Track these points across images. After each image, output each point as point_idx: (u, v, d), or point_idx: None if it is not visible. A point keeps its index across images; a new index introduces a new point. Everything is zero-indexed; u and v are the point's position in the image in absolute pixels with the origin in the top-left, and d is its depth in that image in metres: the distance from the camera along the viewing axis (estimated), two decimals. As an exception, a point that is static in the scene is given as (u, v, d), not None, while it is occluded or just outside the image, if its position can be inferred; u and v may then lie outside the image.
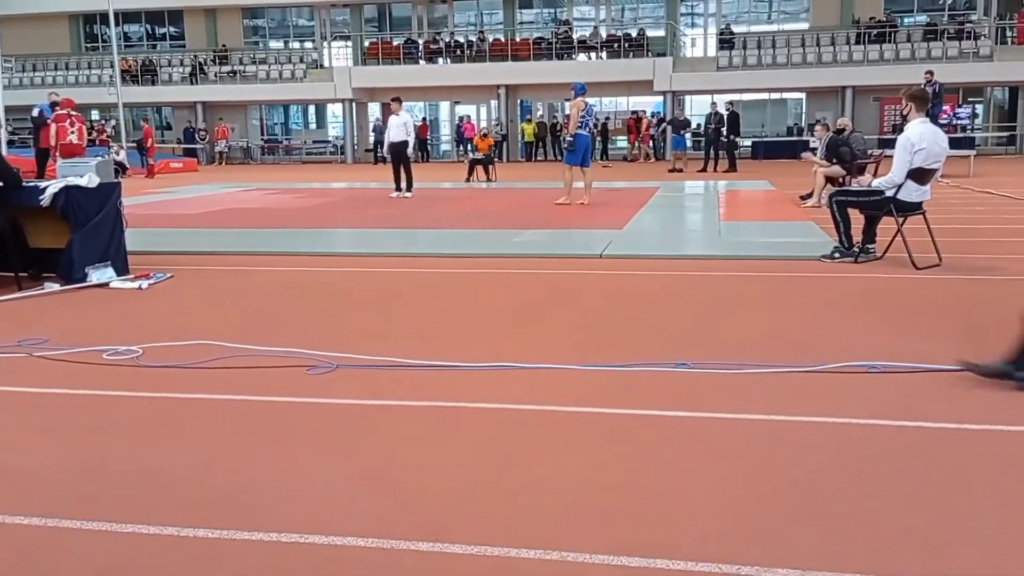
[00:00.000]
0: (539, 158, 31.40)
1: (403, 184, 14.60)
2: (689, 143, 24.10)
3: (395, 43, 33.35)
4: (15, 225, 6.55)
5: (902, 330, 4.76)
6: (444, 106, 34.90)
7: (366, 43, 33.96)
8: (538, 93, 32.75)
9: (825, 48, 29.35)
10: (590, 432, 3.26)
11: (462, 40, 32.79)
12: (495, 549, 2.33)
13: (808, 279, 6.32)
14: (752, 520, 2.49)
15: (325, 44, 35.40)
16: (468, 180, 18.78)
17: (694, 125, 26.44)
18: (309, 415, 3.50)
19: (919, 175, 6.71)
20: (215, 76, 33.89)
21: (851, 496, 2.64)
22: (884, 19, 29.92)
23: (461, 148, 30.90)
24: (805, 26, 31.09)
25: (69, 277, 6.40)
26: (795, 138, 27.94)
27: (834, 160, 11.67)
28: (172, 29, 36.61)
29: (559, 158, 31.65)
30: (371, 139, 30.84)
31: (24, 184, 6.62)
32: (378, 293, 6.16)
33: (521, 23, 33.85)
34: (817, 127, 13.50)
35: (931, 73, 17.81)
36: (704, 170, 21.08)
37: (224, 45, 35.06)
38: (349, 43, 34.93)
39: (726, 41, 30.54)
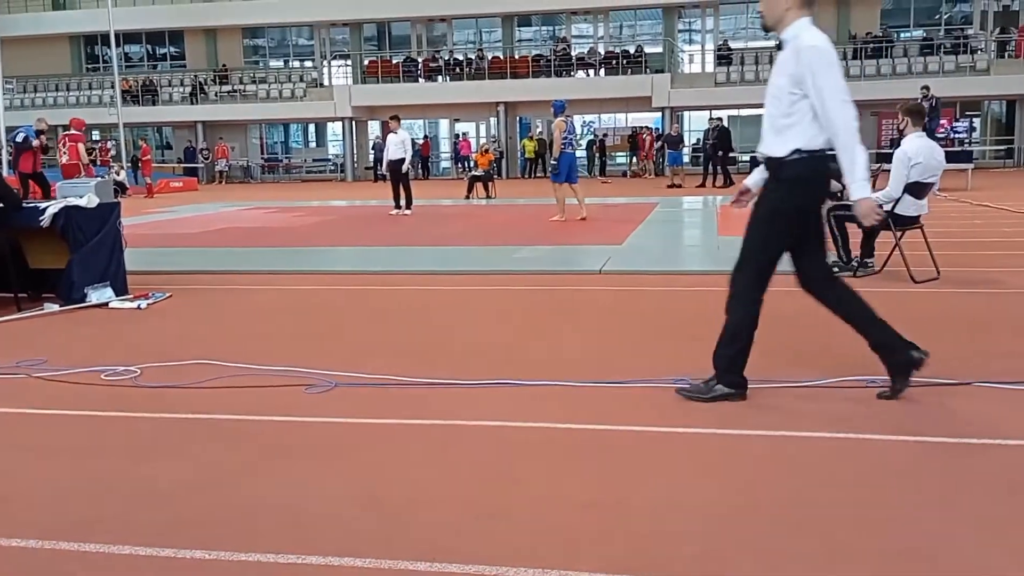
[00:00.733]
0: (538, 175, 31.49)
1: (402, 202, 14.65)
2: (687, 159, 24.18)
3: (394, 61, 33.54)
4: (15, 245, 6.57)
5: (900, 344, 4.75)
6: (443, 123, 35.05)
7: (365, 61, 34.15)
8: (537, 110, 32.85)
9: (822, 63, 29.42)
10: (587, 449, 3.25)
11: (461, 58, 32.97)
12: (492, 568, 2.33)
13: (805, 294, 6.31)
14: (748, 536, 2.48)
15: (325, 63, 35.58)
16: (468, 197, 18.83)
17: (693, 141, 26.55)
18: (307, 434, 3.49)
19: (916, 189, 6.72)
20: (215, 96, 34.07)
21: (847, 511, 2.64)
22: (881, 34, 30.09)
23: (460, 165, 31.00)
24: (802, 42, 31.19)
25: (68, 297, 6.40)
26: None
27: None
28: (172, 49, 36.83)
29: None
30: (371, 157, 30.93)
31: (24, 205, 6.65)
32: (377, 311, 6.17)
33: (520, 41, 34.05)
34: None
35: (927, 88, 17.90)
36: (703, 185, 21.14)
37: (224, 65, 35.25)
38: (349, 62, 35.12)
39: (724, 57, 30.71)
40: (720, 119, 22.19)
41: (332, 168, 35.14)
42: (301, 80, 34.40)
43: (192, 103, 33.97)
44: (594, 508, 2.71)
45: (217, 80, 34.62)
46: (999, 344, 4.73)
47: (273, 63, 36.61)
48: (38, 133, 14.90)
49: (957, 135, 27.62)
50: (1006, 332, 5.02)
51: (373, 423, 3.60)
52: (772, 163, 3.69)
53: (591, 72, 31.90)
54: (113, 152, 27.14)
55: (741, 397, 3.72)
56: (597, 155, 30.60)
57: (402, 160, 14.70)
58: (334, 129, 35.44)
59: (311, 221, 14.04)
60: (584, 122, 33.86)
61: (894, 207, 6.77)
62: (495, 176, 21.23)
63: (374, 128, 33.57)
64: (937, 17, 30.91)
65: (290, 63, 36.50)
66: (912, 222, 6.94)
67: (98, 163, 23.76)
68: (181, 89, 34.62)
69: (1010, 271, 7.21)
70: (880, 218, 3.49)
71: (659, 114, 30.72)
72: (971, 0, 30.37)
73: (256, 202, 19.92)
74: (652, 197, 17.94)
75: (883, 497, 2.74)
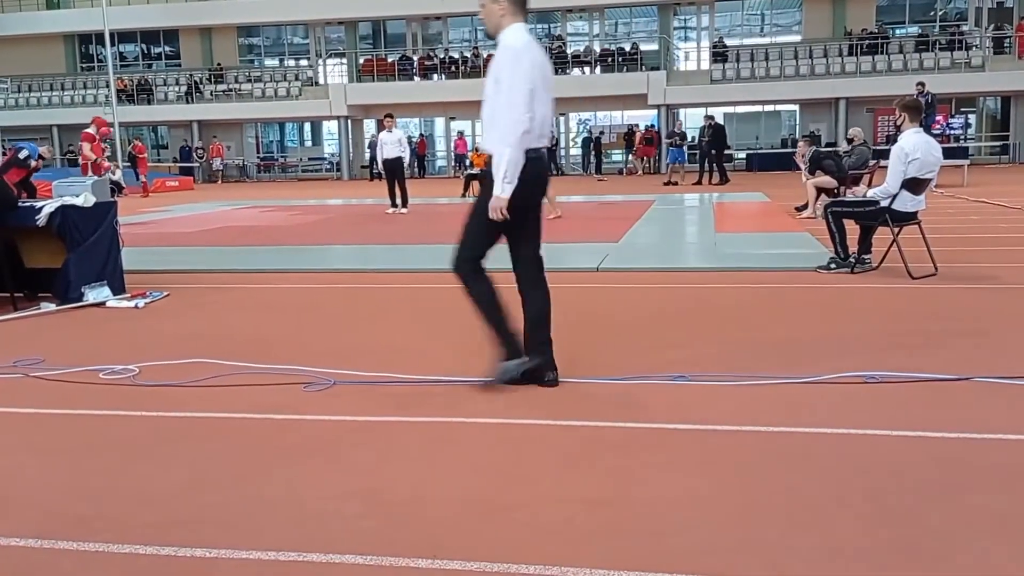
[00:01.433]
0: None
1: (398, 200, 14.64)
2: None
3: (390, 60, 33.51)
4: (11, 245, 6.55)
5: (899, 340, 4.76)
6: (439, 122, 35.03)
7: (361, 60, 34.13)
8: (533, 108, 32.80)
9: (818, 60, 29.53)
10: (587, 446, 3.25)
11: (457, 56, 32.93)
12: (494, 565, 2.32)
13: (804, 290, 6.33)
14: (749, 533, 2.48)
15: (320, 62, 35.54)
16: (464, 195, 18.79)
17: (689, 138, 26.58)
18: (306, 432, 3.49)
19: (913, 185, 6.73)
20: (211, 95, 34.02)
21: (848, 507, 2.64)
22: (876, 31, 30.13)
23: (456, 164, 30.98)
24: (798, 38, 31.29)
25: (65, 297, 6.39)
26: (789, 150, 28.04)
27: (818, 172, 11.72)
28: (167, 48, 36.76)
29: (555, 173, 31.80)
30: (367, 156, 30.91)
31: (20, 204, 6.62)
32: (375, 309, 6.16)
33: (515, 39, 33.98)
34: (799, 143, 13.53)
35: (923, 84, 17.92)
36: (699, 183, 21.15)
37: (219, 64, 35.19)
38: (344, 60, 35.08)
39: (719, 54, 30.73)
40: (713, 116, 22.18)
41: (328, 167, 35.11)
42: (296, 79, 34.36)
43: (187, 102, 33.93)
44: (594, 504, 2.71)
45: (212, 79, 34.57)
46: (997, 339, 4.74)
47: (268, 62, 36.56)
48: (39, 156, 14.92)
49: (952, 131, 27.69)
50: (1004, 327, 5.03)
51: (372, 420, 3.59)
52: (489, 160, 3.87)
53: (587, 70, 31.90)
54: (108, 152, 27.06)
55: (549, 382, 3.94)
56: (593, 153, 30.60)
57: (399, 159, 14.70)
58: (330, 128, 35.41)
59: (307, 220, 14.02)
60: (580, 120, 33.89)
61: (891, 203, 6.78)
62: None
63: (370, 127, 33.56)
64: (932, 13, 30.96)
65: (285, 62, 36.46)
66: (909, 218, 6.95)
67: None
68: (176, 88, 34.57)
69: (1007, 266, 7.22)
70: (501, 218, 3.80)
71: (655, 111, 30.73)
72: (966, -4, 30.44)
73: (252, 201, 19.89)
74: (648, 195, 17.94)
75: (882, 493, 2.74)
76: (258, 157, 36.04)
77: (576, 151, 33.24)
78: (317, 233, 11.73)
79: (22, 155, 14.07)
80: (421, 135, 33.72)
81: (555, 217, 12.23)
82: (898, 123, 6.95)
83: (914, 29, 30.77)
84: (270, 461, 3.16)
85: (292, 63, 36.29)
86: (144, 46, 37.08)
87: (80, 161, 15.44)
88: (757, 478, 2.88)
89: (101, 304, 6.41)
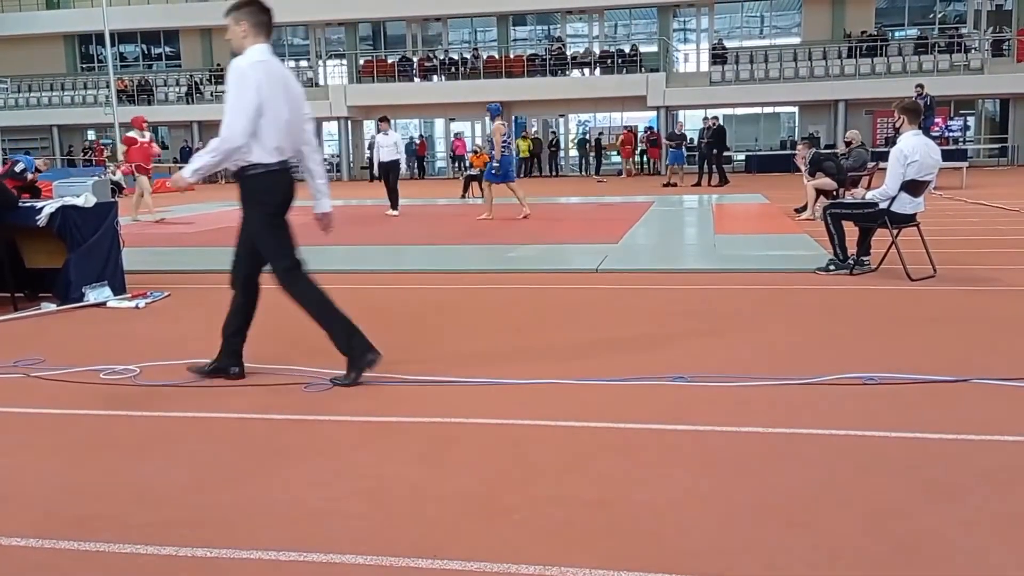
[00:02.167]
0: (533, 174, 31.51)
1: (394, 202, 14.65)
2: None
3: (390, 61, 33.50)
4: (11, 245, 6.55)
5: (898, 341, 4.77)
6: (439, 123, 35.02)
7: (361, 61, 34.12)
8: (533, 109, 32.88)
9: (817, 62, 29.55)
10: (587, 447, 3.25)
11: (456, 57, 32.94)
12: (493, 565, 2.33)
13: (804, 291, 6.34)
14: (748, 534, 2.49)
15: (320, 62, 35.54)
16: (464, 196, 18.81)
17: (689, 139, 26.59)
18: (306, 432, 3.49)
19: (913, 187, 6.74)
20: (211, 95, 33.99)
21: (847, 508, 2.64)
22: (875, 33, 30.15)
23: (456, 165, 31.00)
24: (797, 40, 31.31)
25: (66, 297, 6.39)
26: (788, 152, 28.06)
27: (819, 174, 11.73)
28: (168, 49, 36.74)
29: (554, 174, 31.83)
30: (367, 156, 30.90)
31: (20, 204, 6.63)
32: (374, 310, 6.16)
33: (515, 40, 34.03)
34: (799, 145, 13.55)
35: (922, 86, 17.95)
36: (699, 184, 21.15)
37: (220, 64, 35.16)
38: (344, 61, 35.08)
39: (719, 56, 30.73)
40: (717, 118, 22.20)
41: (328, 168, 35.06)
42: (296, 80, 34.33)
43: (188, 103, 33.91)
44: (595, 505, 2.72)
45: (213, 80, 34.55)
46: (996, 341, 4.75)
47: (268, 63, 36.50)
48: (36, 169, 14.95)
49: (951, 134, 27.71)
50: (1002, 329, 5.04)
51: (372, 421, 3.60)
52: (238, 172, 4.10)
53: (586, 71, 31.92)
54: (108, 152, 27.09)
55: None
56: (592, 155, 30.62)
57: (396, 161, 14.77)
58: (329, 129, 35.37)
59: (307, 220, 13.99)
60: (579, 121, 33.91)
61: (890, 205, 6.79)
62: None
63: (369, 128, 33.53)
64: (931, 16, 30.97)
65: (285, 62, 36.34)
66: (909, 220, 6.96)
67: (94, 163, 23.73)
68: (177, 89, 34.56)
69: (1006, 268, 7.23)
70: (183, 188, 4.13)
71: (654, 113, 30.75)
72: (964, -1, 30.47)
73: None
74: (647, 196, 17.95)
75: (882, 494, 2.75)
76: (258, 158, 35.98)
77: (573, 153, 33.27)
78: (316, 233, 11.69)
79: (18, 168, 14.14)
80: (421, 136, 33.72)
81: (523, 217, 12.75)
82: (897, 125, 6.95)
83: (913, 31, 30.78)
84: (271, 460, 3.17)
85: (292, 64, 36.26)
86: (144, 46, 37.07)
87: (122, 166, 15.52)
88: (756, 479, 2.89)
89: (102, 304, 6.41)
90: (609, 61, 31.43)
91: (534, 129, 33.01)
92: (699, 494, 2.78)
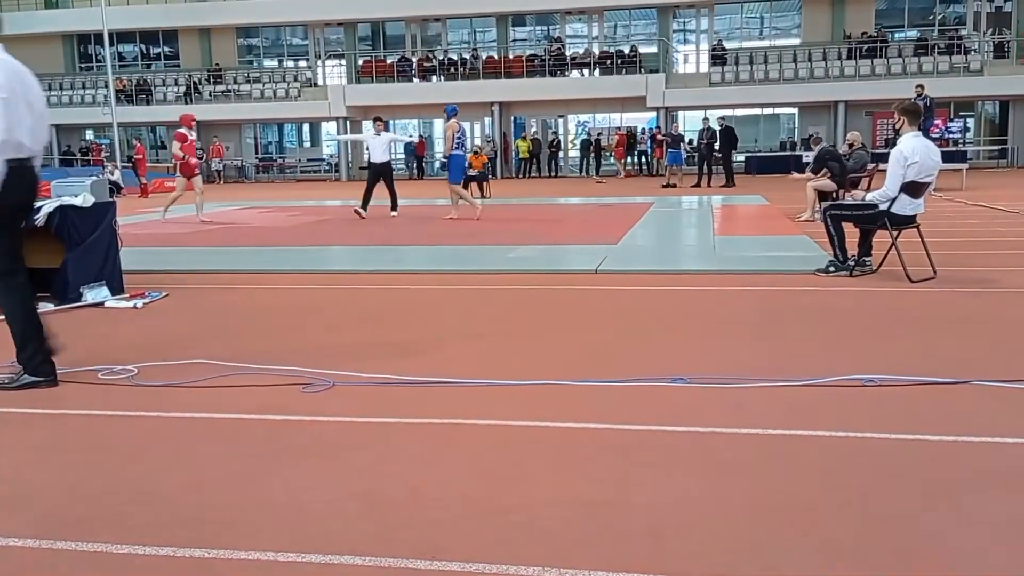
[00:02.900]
0: (533, 174, 31.52)
1: (385, 202, 14.59)
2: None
3: (389, 61, 33.53)
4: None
5: (898, 343, 4.77)
6: (438, 123, 35.00)
7: (360, 61, 34.13)
8: (532, 110, 32.90)
9: (817, 63, 29.58)
10: (586, 448, 3.25)
11: (455, 58, 32.95)
12: (492, 566, 2.32)
13: (803, 293, 6.33)
14: (747, 535, 2.49)
15: (319, 63, 35.53)
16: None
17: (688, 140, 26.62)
18: (305, 433, 3.49)
19: (913, 189, 6.74)
20: (209, 95, 34.00)
21: (847, 511, 2.64)
22: (875, 34, 30.17)
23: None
24: (797, 42, 31.33)
25: (64, 297, 6.39)
26: (788, 153, 28.08)
27: (824, 172, 11.73)
28: (166, 48, 36.73)
29: (554, 175, 31.83)
30: (365, 157, 30.90)
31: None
32: (374, 310, 6.16)
33: (514, 40, 34.05)
34: (812, 142, 13.62)
35: (922, 87, 17.95)
36: (698, 185, 21.16)
37: (218, 64, 35.19)
38: (343, 61, 35.08)
39: (718, 57, 30.76)
40: (723, 118, 22.22)
41: (327, 168, 35.09)
42: (295, 80, 34.36)
43: (186, 103, 33.88)
44: (593, 507, 2.71)
45: (211, 80, 34.55)
46: (996, 342, 4.74)
47: (267, 63, 36.54)
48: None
49: (951, 135, 27.73)
50: (1002, 331, 5.04)
51: (371, 422, 3.59)
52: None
53: (586, 72, 31.93)
54: (107, 152, 27.07)
55: (52, 384, 4.16)
56: (592, 155, 30.63)
57: (388, 163, 14.74)
58: (328, 129, 35.39)
59: (306, 220, 14.02)
60: (579, 122, 33.92)
61: (890, 206, 6.79)
62: (490, 176, 21.23)
63: (368, 128, 33.51)
64: (931, 17, 31.00)
65: (284, 63, 36.43)
66: (908, 221, 6.96)
67: (91, 163, 23.72)
68: (175, 89, 34.56)
69: (1005, 270, 7.23)
70: None
71: (653, 114, 30.76)
72: (964, 1, 30.47)
73: (251, 202, 19.88)
74: (647, 197, 17.95)
75: (881, 495, 2.74)
76: (256, 158, 36.02)
77: (574, 153, 33.27)
78: (316, 234, 11.73)
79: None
80: (420, 136, 33.71)
81: (477, 218, 12.94)
82: (897, 127, 6.95)
83: (913, 33, 30.81)
84: (270, 461, 3.16)
85: (291, 64, 36.28)
86: (143, 46, 37.06)
87: (172, 160, 15.68)
88: (755, 480, 2.89)
89: (100, 304, 6.41)
90: (609, 62, 31.45)
91: (533, 130, 33.01)
92: (698, 495, 2.77)
